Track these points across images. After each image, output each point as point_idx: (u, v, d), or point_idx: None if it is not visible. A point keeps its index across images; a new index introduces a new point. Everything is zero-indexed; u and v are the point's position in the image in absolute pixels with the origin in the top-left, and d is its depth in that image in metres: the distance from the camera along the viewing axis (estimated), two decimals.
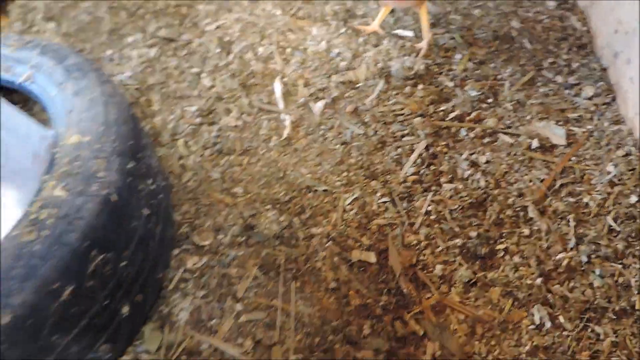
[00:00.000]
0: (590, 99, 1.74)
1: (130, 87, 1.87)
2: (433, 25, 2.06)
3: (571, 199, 1.48)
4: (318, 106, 1.80)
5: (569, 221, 1.43)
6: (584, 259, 1.35)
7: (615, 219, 1.42)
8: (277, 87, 1.86)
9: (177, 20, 2.18)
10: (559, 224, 1.43)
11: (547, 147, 1.61)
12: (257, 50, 2.02)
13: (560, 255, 1.36)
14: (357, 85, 1.86)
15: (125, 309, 1.16)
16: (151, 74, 1.93)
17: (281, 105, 1.82)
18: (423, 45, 1.91)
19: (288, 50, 2.02)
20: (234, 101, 1.84)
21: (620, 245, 1.36)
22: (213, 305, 1.33)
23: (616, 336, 1.22)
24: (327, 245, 1.42)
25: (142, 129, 1.38)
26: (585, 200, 1.47)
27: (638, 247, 1.36)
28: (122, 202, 1.11)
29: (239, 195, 1.56)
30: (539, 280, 1.32)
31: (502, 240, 1.41)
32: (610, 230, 1.40)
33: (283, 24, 2.11)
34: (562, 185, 1.51)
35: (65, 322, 1.00)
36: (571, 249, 1.37)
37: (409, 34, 2.00)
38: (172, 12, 2.22)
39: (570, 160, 1.57)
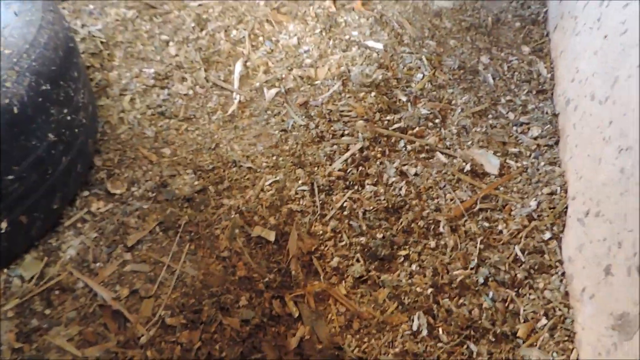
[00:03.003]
0: (535, 139, 1.74)
1: (97, 39, 1.91)
2: (407, 45, 2.11)
3: (486, 224, 1.47)
4: (270, 93, 1.82)
5: (477, 243, 1.41)
6: (481, 280, 1.33)
7: (523, 250, 1.40)
8: (238, 68, 1.89)
9: None
10: (466, 244, 1.41)
11: (478, 173, 1.62)
12: (230, 32, 2.06)
13: (457, 272, 1.34)
14: (315, 83, 1.88)
15: (4, 225, 1.15)
16: (121, 32, 1.97)
17: (236, 85, 1.84)
18: None
19: (260, 38, 2.06)
20: (192, 72, 1.87)
21: (520, 275, 1.34)
22: (102, 249, 1.32)
23: (489, 358, 1.19)
24: (232, 216, 1.41)
25: (79, 64, 1.40)
26: (500, 227, 1.46)
27: (538, 281, 1.34)
28: (24, 116, 1.12)
29: (165, 155, 1.57)
30: (429, 291, 1.30)
31: (406, 247, 1.40)
32: (516, 259, 1.39)
33: (263, 14, 2.15)
34: (481, 210, 1.50)
35: None
36: (471, 268, 1.36)
37: (379, 46, 2.04)
38: None
39: (496, 189, 1.57)
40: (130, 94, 1.75)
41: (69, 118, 1.29)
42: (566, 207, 1.49)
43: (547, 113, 1.84)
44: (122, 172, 1.50)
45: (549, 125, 1.78)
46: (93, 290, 1.24)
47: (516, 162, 1.66)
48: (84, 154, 1.40)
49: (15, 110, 1.10)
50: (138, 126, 1.64)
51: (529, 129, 1.78)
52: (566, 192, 1.54)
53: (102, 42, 1.91)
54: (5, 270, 1.24)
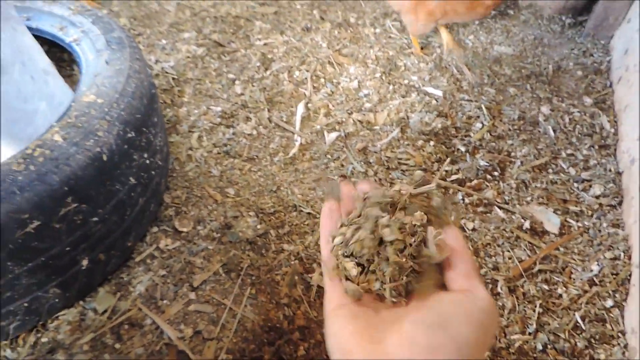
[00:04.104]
0: (597, 197, 1.72)
1: (169, 75, 2.01)
2: (466, 92, 2.12)
3: (545, 286, 1.45)
4: (331, 136, 1.86)
5: (536, 306, 1.40)
6: (539, 346, 1.31)
7: (583, 318, 1.38)
8: (300, 110, 1.95)
9: (232, 29, 2.34)
10: (525, 307, 1.40)
11: (537, 231, 1.60)
12: (293, 73, 2.13)
13: (515, 336, 1.33)
14: (374, 128, 1.92)
15: (85, 262, 1.23)
16: (191, 70, 2.07)
17: (297, 126, 1.90)
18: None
19: (321, 80, 2.12)
20: (256, 112, 1.94)
21: (580, 344, 1.32)
22: (169, 287, 1.38)
23: None
24: (292, 262, 1.46)
25: (158, 109, 1.48)
26: (560, 291, 1.44)
27: (599, 351, 1.31)
28: (111, 163, 1.20)
29: (229, 195, 1.63)
30: (486, 354, 1.29)
31: None
32: (576, 327, 1.37)
33: (325, 56, 2.22)
34: (540, 271, 1.49)
35: (24, 252, 1.08)
36: (529, 333, 1.34)
37: (439, 93, 2.06)
38: (230, 21, 2.39)
39: (557, 249, 1.55)
40: (198, 131, 1.83)
41: (147, 162, 1.37)
42: (630, 275, 1.46)
43: (610, 170, 1.81)
44: (189, 210, 1.57)
45: (612, 184, 1.75)
46: (160, 327, 1.30)
47: (577, 221, 1.64)
48: (157, 193, 1.48)
49: (104, 157, 1.18)
50: (205, 164, 1.72)
51: (590, 186, 1.76)
52: (630, 258, 1.51)
53: (173, 79, 2.01)
54: (81, 303, 1.32)
